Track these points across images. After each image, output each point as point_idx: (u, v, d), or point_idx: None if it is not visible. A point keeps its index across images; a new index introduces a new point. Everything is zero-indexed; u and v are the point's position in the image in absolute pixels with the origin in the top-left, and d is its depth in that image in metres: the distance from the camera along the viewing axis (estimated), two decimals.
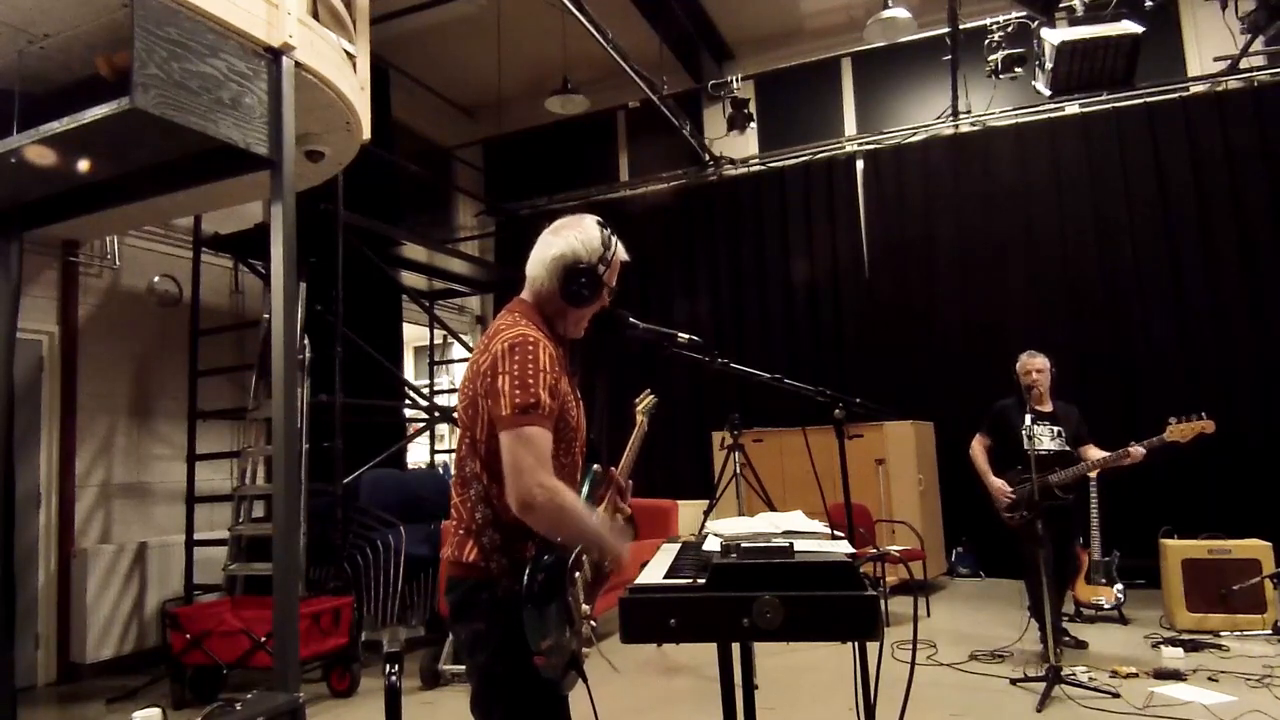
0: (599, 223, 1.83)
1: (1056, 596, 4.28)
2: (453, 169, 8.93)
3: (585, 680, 1.72)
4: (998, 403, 4.54)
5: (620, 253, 1.84)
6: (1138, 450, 4.10)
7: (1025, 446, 4.15)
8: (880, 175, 7.32)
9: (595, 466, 1.92)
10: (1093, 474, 4.49)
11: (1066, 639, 4.38)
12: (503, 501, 1.64)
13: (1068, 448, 4.30)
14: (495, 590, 1.66)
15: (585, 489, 1.84)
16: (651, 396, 2.30)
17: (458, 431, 1.79)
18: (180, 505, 5.23)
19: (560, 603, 1.61)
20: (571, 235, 1.79)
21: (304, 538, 4.68)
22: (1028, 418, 4.07)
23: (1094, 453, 4.34)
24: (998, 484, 4.36)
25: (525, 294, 1.84)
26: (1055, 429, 4.32)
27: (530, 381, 1.62)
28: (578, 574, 1.69)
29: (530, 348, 1.65)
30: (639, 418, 2.25)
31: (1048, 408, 4.36)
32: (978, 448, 4.55)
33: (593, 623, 1.74)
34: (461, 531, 1.73)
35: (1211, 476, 5.77)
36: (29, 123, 2.81)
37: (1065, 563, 4.37)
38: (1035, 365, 4.35)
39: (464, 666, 1.73)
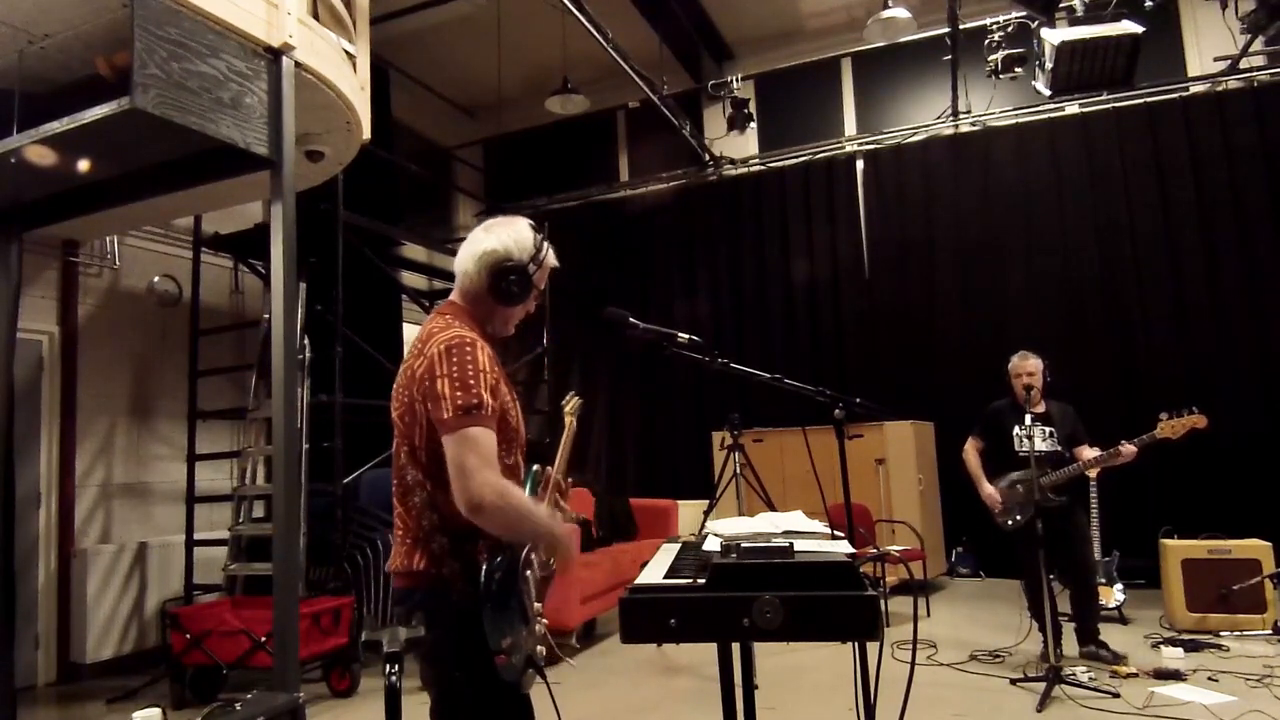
0: (531, 225, 1.84)
1: (1085, 599, 4.26)
2: (453, 169, 8.93)
3: (544, 678, 1.74)
4: (992, 404, 4.54)
5: (550, 258, 1.86)
6: (1128, 449, 4.05)
7: (1016, 449, 4.16)
8: (880, 175, 7.32)
9: (535, 466, 1.94)
10: (1091, 474, 4.49)
11: (1104, 653, 4.18)
12: (450, 506, 1.61)
13: (1059, 448, 4.28)
14: (449, 595, 1.64)
15: (527, 489, 1.85)
16: (577, 399, 2.39)
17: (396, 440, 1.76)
18: (180, 505, 5.23)
19: (516, 601, 1.63)
20: (504, 233, 1.80)
21: (304, 538, 4.68)
22: (1027, 418, 4.07)
23: (1088, 453, 4.33)
24: (989, 492, 4.36)
25: (455, 295, 1.84)
26: (1047, 430, 4.30)
27: (471, 382, 1.60)
28: (528, 572, 1.70)
29: (468, 348, 1.63)
30: (567, 419, 2.31)
31: (1040, 408, 4.35)
32: (971, 451, 4.53)
33: (543, 620, 1.76)
34: (409, 541, 1.70)
35: (1211, 476, 5.77)
36: (29, 123, 2.81)
37: (1079, 565, 4.31)
38: (1027, 368, 4.32)
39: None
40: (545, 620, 1.78)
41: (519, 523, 1.63)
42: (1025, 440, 4.07)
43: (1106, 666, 4.08)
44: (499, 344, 1.83)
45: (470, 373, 1.61)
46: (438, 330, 1.70)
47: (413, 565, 1.68)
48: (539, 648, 1.72)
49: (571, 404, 2.38)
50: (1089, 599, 4.30)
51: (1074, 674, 3.81)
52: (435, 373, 1.62)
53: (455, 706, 1.69)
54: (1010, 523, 4.25)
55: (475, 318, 1.79)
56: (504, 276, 1.76)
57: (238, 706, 2.31)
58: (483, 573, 1.62)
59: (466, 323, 1.75)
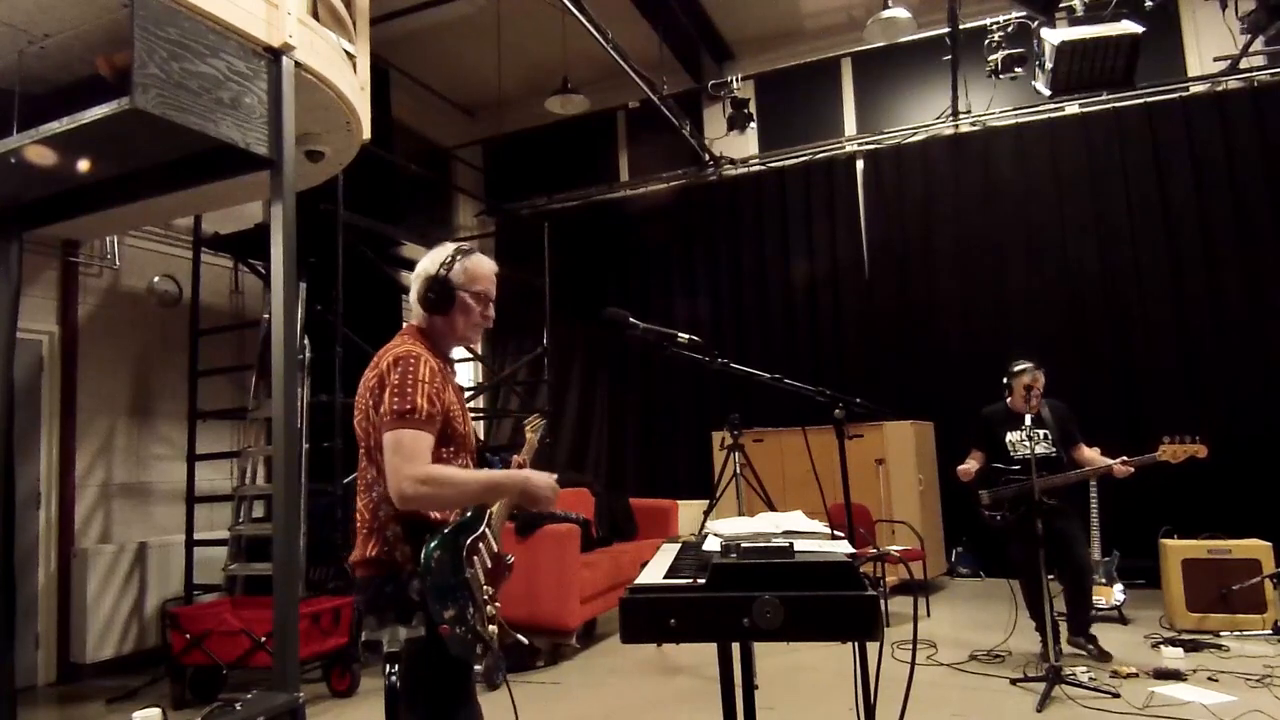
0: (457, 244, 2.09)
1: (1076, 599, 4.27)
2: (453, 169, 8.92)
3: (502, 664, 1.88)
4: (982, 411, 4.53)
5: (476, 262, 2.04)
6: (1124, 469, 4.14)
7: (1012, 454, 4.18)
8: (880, 175, 7.32)
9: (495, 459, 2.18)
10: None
11: (1091, 648, 4.23)
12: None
13: (1054, 450, 4.29)
14: (400, 577, 1.82)
15: None
16: (540, 419, 2.52)
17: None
18: (180, 505, 5.23)
19: (459, 579, 1.79)
20: (427, 256, 2.06)
21: (304, 538, 4.68)
22: (1028, 419, 4.08)
23: (1086, 454, 4.34)
24: (962, 468, 4.37)
25: (413, 319, 2.08)
26: (1041, 433, 4.31)
27: (409, 390, 1.83)
28: (475, 557, 1.86)
29: (411, 361, 1.87)
30: (529, 435, 2.44)
31: (1032, 412, 4.35)
32: (971, 465, 4.46)
33: (497, 604, 1.92)
34: (364, 531, 1.91)
35: (1211, 476, 5.76)
36: (29, 123, 2.81)
37: (1073, 565, 4.31)
38: (1041, 381, 4.31)
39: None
40: (499, 604, 1.93)
41: (453, 491, 1.83)
42: (1022, 445, 4.09)
43: (1094, 662, 4.12)
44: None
45: (410, 381, 1.84)
46: (390, 347, 1.95)
47: (367, 553, 1.88)
48: (492, 628, 1.85)
49: (534, 423, 2.50)
50: (1084, 597, 4.31)
51: (1074, 674, 3.81)
52: (382, 383, 1.86)
53: (410, 683, 1.87)
54: (999, 518, 4.25)
55: (425, 335, 2.03)
56: (425, 289, 2.01)
57: (238, 706, 2.31)
58: (423, 553, 1.78)
59: (415, 340, 1.99)
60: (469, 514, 1.90)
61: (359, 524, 1.93)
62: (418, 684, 1.88)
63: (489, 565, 1.92)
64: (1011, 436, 4.34)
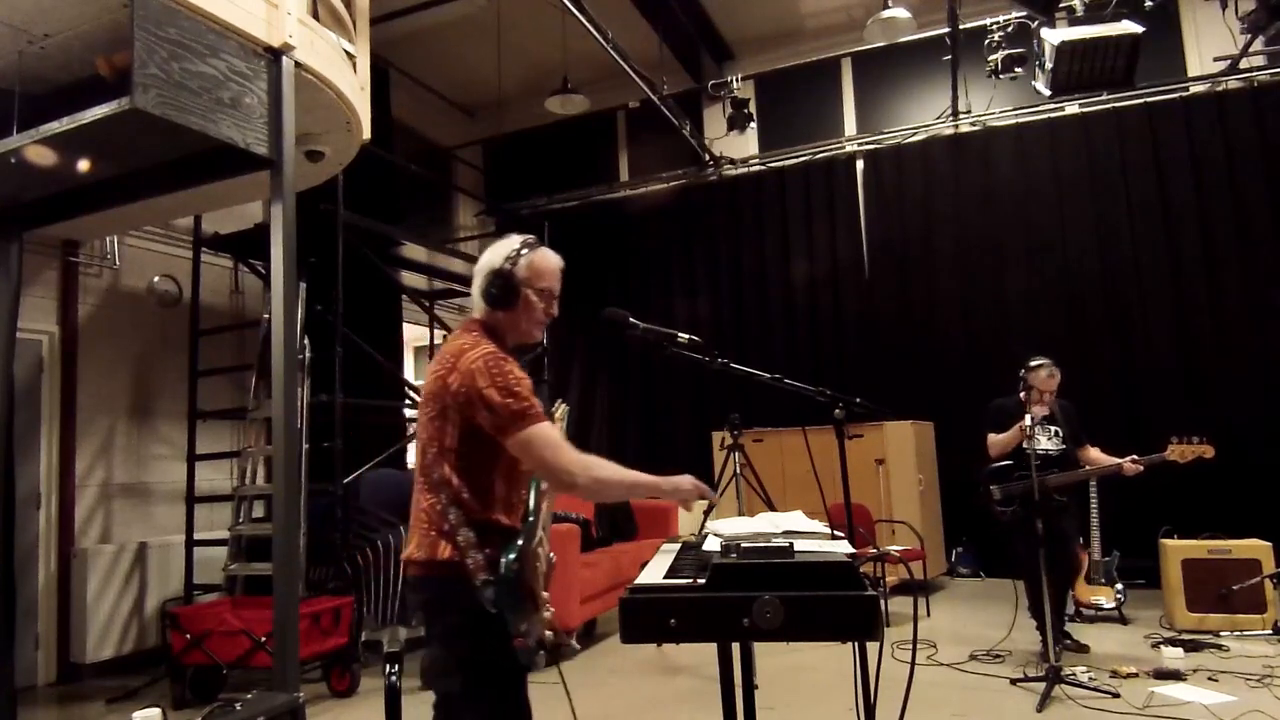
0: (522, 237, 2.01)
1: (1057, 597, 4.29)
2: (453, 169, 8.92)
3: (556, 660, 1.88)
4: (996, 401, 4.51)
5: (541, 256, 1.99)
6: (1134, 467, 4.16)
7: (1025, 448, 4.16)
8: (880, 175, 7.32)
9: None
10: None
11: (1068, 642, 4.34)
12: (474, 503, 1.82)
13: (1065, 447, 4.31)
14: (471, 583, 1.77)
15: (532, 491, 1.97)
16: (565, 406, 2.49)
17: (419, 441, 1.93)
18: (180, 505, 5.23)
19: (530, 589, 1.78)
20: (491, 249, 2.01)
21: (304, 538, 4.68)
22: (1040, 416, 4.08)
23: (1092, 453, 4.35)
24: (1020, 424, 4.09)
25: (475, 313, 2.03)
26: (1053, 429, 4.32)
27: (517, 389, 1.81)
28: (537, 563, 1.84)
29: (502, 359, 1.85)
30: (556, 421, 2.40)
31: (1046, 410, 4.36)
32: (994, 441, 4.41)
33: (550, 608, 1.89)
34: (434, 533, 1.84)
35: (1211, 476, 5.74)
36: (29, 123, 2.81)
37: (1064, 563, 4.34)
38: (1057, 378, 4.29)
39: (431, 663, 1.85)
40: (552, 608, 1.90)
41: (614, 485, 1.88)
42: (1034, 441, 4.10)
43: (1078, 655, 4.25)
44: (528, 348, 2.04)
45: (513, 380, 1.82)
46: (468, 347, 1.87)
47: (436, 555, 1.81)
48: (547, 632, 1.83)
49: (560, 411, 2.46)
50: (1065, 592, 4.48)
51: (1074, 674, 3.81)
52: (478, 384, 1.80)
53: (473, 687, 1.82)
54: (1010, 511, 4.25)
55: (489, 330, 1.97)
56: (488, 283, 1.96)
57: (238, 706, 2.31)
58: (501, 564, 1.76)
59: (483, 335, 1.94)
60: (531, 519, 1.89)
61: (423, 523, 1.87)
62: (478, 691, 1.83)
63: (544, 570, 1.91)
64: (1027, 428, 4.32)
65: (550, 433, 1.83)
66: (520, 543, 1.80)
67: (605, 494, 1.91)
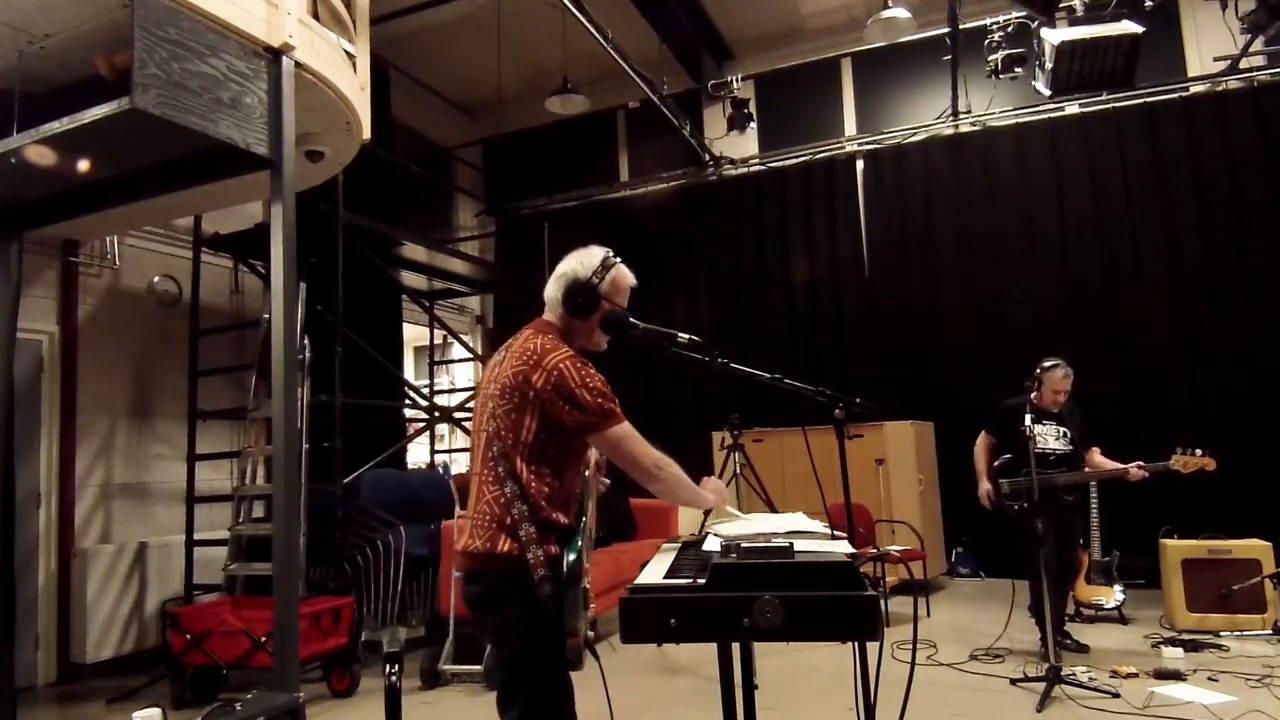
0: (606, 251, 2.10)
1: (1058, 597, 4.29)
2: (453, 169, 8.92)
3: (597, 657, 1.88)
4: (1005, 402, 4.51)
5: (621, 274, 2.09)
6: (1138, 473, 4.18)
7: (1035, 447, 4.18)
8: (880, 175, 7.32)
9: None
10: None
11: (1068, 642, 4.35)
12: (538, 499, 1.87)
13: (1073, 447, 4.32)
14: (530, 579, 1.80)
15: (584, 492, 2.04)
16: None
17: (484, 434, 1.98)
18: (180, 505, 5.23)
19: (583, 588, 1.83)
20: (575, 258, 2.08)
21: (304, 538, 4.68)
22: (1029, 419, 4.08)
23: (1097, 457, 4.38)
24: (985, 489, 4.43)
25: (547, 315, 2.09)
26: (1061, 429, 4.33)
27: (603, 390, 1.92)
28: (587, 564, 1.88)
29: (581, 361, 1.94)
30: None
31: (1056, 410, 4.37)
32: (982, 446, 4.55)
33: (593, 605, 1.93)
34: (494, 526, 1.88)
35: (1211, 477, 5.73)
36: (29, 123, 2.81)
37: (1067, 563, 4.36)
38: (1070, 379, 4.34)
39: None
40: (595, 606, 1.98)
41: (683, 492, 2.05)
42: (1044, 440, 4.13)
43: (1077, 655, 4.24)
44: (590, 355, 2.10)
45: (598, 382, 1.92)
46: (550, 348, 1.93)
47: (496, 548, 1.86)
48: (590, 633, 1.92)
49: None
50: (1066, 592, 4.50)
51: (1074, 674, 3.81)
52: (566, 384, 1.88)
53: (522, 682, 1.86)
54: (1017, 507, 4.26)
55: (564, 335, 2.04)
56: (573, 293, 2.02)
57: (238, 706, 2.31)
58: (565, 562, 1.82)
59: (559, 337, 2.01)
60: (584, 519, 1.95)
61: (485, 516, 1.91)
62: (529, 686, 1.86)
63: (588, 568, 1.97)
64: (1036, 429, 4.33)
65: (635, 431, 1.96)
66: (580, 543, 1.87)
67: (676, 492, 2.02)
